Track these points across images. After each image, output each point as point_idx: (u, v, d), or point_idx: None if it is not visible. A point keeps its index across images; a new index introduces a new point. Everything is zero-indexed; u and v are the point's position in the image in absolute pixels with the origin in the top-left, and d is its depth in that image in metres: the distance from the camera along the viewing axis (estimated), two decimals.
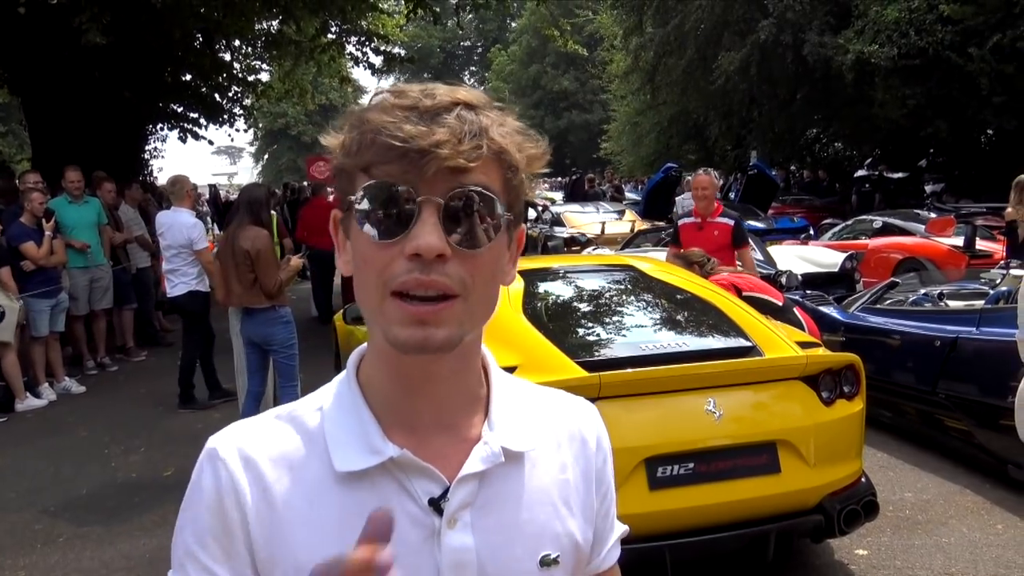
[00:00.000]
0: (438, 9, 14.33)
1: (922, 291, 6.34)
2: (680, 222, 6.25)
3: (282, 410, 0.92)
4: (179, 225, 6.76)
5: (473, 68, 65.79)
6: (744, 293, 4.64)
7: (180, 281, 6.84)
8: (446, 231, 0.78)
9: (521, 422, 0.93)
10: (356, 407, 0.88)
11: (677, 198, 14.77)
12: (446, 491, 0.85)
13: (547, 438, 0.96)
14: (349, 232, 0.85)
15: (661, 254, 7.48)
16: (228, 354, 6.23)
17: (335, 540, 0.82)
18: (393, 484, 0.85)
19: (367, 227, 0.80)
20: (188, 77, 14.99)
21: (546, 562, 0.91)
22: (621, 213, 15.07)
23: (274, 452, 0.87)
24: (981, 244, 9.31)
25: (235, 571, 0.84)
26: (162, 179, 18.66)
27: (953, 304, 5.84)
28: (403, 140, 0.77)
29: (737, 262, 5.87)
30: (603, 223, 13.28)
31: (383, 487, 0.85)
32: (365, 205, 0.80)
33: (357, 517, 0.79)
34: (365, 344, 0.93)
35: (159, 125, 16.85)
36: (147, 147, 16.99)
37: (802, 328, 4.74)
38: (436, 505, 0.85)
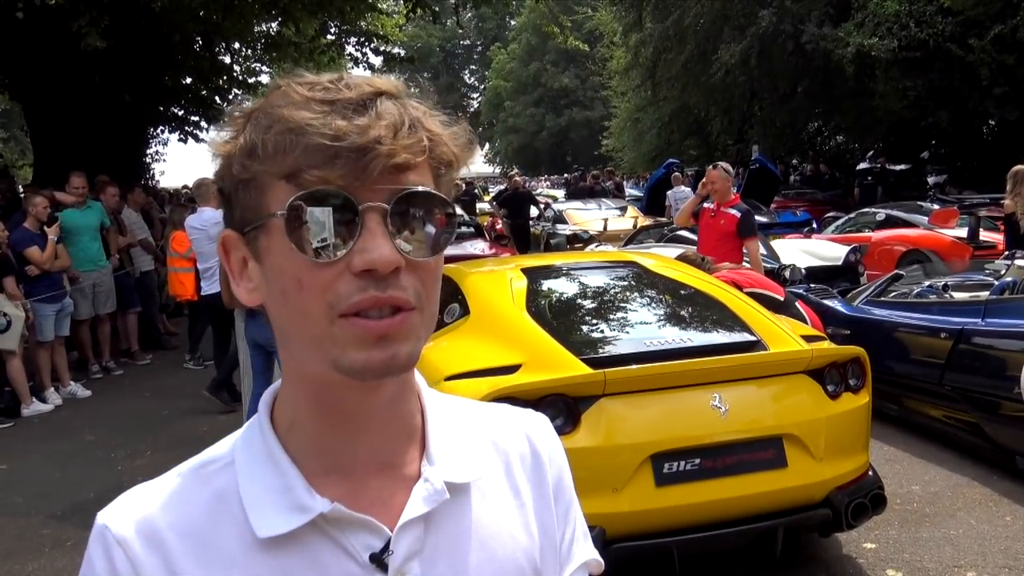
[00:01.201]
0: (437, 8, 14.32)
1: (926, 283, 6.33)
2: (703, 205, 6.49)
3: (185, 467, 0.79)
4: (207, 222, 6.93)
5: (473, 67, 65.82)
6: (745, 289, 4.63)
7: (217, 278, 6.87)
8: (393, 239, 0.68)
9: (463, 449, 0.82)
10: (272, 456, 0.76)
11: (668, 192, 14.90)
12: (388, 542, 0.74)
13: (495, 462, 0.85)
14: (261, 254, 0.72)
15: (664, 250, 7.50)
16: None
17: None
18: (326, 543, 0.73)
19: (301, 245, 0.67)
20: (188, 80, 15.03)
21: None
22: (623, 210, 15.06)
23: (180, 522, 0.74)
24: (985, 235, 9.30)
25: None
26: (164, 182, 18.69)
27: (958, 296, 5.82)
28: (335, 138, 0.66)
29: (745, 259, 6.00)
30: (605, 220, 13.28)
31: (314, 548, 0.73)
32: (297, 219, 0.67)
33: None
34: (279, 382, 0.80)
35: (160, 128, 16.89)
36: (148, 150, 17.04)
37: (805, 322, 4.73)
38: (379, 560, 0.74)
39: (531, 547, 0.83)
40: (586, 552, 0.91)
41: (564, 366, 3.30)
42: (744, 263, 5.96)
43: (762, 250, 8.13)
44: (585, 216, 14.47)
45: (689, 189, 15.27)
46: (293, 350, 0.73)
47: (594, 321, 4.02)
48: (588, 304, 4.29)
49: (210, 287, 6.96)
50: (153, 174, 17.73)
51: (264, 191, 0.70)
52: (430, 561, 0.76)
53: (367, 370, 0.69)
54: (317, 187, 0.66)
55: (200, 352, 8.60)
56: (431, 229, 0.71)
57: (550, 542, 0.86)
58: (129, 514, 0.75)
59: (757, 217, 12.65)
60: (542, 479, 0.88)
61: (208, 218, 6.94)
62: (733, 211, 6.17)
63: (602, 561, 0.93)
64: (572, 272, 4.62)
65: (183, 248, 7.97)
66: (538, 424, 0.92)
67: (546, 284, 4.37)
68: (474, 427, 0.86)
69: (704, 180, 6.50)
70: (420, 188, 0.69)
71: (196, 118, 16.21)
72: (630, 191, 23.41)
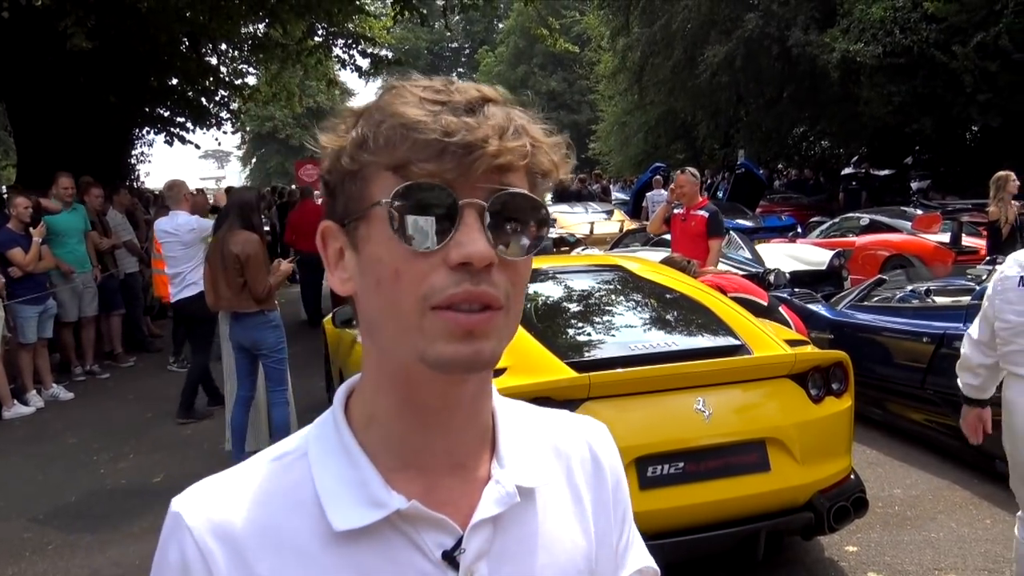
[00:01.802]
0: (425, 11, 14.31)
1: (909, 288, 6.38)
2: (673, 211, 6.86)
3: (259, 459, 0.80)
4: (181, 227, 6.77)
5: (461, 70, 65.80)
6: (729, 294, 4.67)
7: (191, 282, 6.70)
8: (489, 236, 0.70)
9: (530, 453, 0.84)
10: (347, 450, 0.77)
11: (647, 194, 15.17)
12: (459, 541, 0.76)
13: (557, 467, 0.87)
14: (360, 243, 0.74)
15: (650, 254, 7.52)
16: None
17: None
18: (399, 538, 0.75)
19: (402, 234, 0.69)
20: (174, 81, 14.96)
21: None
22: (610, 213, 15.10)
23: (254, 514, 0.75)
24: (967, 240, 9.38)
25: None
26: (149, 184, 18.60)
27: (940, 300, 5.87)
28: (445, 133, 0.68)
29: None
30: (592, 223, 13.30)
31: (388, 543, 0.75)
32: (400, 208, 0.69)
33: None
34: (356, 376, 0.82)
35: (145, 129, 16.80)
36: (134, 152, 16.94)
37: (789, 327, 4.76)
38: (450, 558, 0.75)
39: (590, 553, 0.85)
40: (642, 559, 0.94)
41: (549, 370, 3.31)
42: (720, 265, 6.13)
43: (747, 254, 8.21)
44: (572, 219, 14.48)
45: (667, 192, 15.73)
46: (381, 341, 0.75)
47: (579, 325, 4.03)
48: (573, 308, 4.30)
49: (180, 292, 6.81)
50: (138, 175, 17.60)
51: (369, 182, 0.72)
52: (497, 563, 0.78)
53: (453, 363, 0.71)
54: (422, 179, 0.69)
55: (184, 355, 8.55)
56: (525, 230, 0.73)
57: (607, 549, 0.88)
58: (203, 504, 0.75)
59: (743, 222, 12.83)
60: (602, 485, 0.90)
61: (183, 223, 6.79)
62: (702, 212, 6.51)
63: (658, 569, 0.96)
64: (558, 276, 4.63)
65: None
66: (599, 432, 0.95)
67: (532, 287, 4.37)
68: (537, 432, 0.88)
69: (673, 186, 6.93)
70: (518, 190, 0.72)
71: (182, 119, 16.12)
72: (617, 194, 23.44)
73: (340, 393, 0.82)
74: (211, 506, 0.75)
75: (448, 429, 0.78)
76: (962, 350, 3.17)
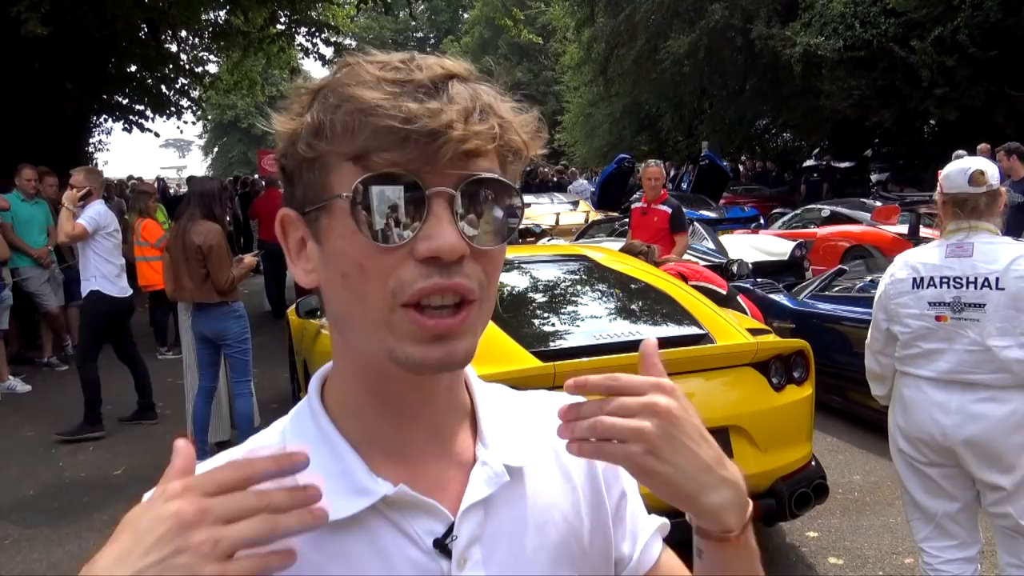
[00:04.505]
0: (389, 0, 14.19)
1: (868, 278, 6.48)
2: (633, 206, 6.82)
3: (235, 453, 0.75)
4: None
5: None
6: (690, 282, 4.71)
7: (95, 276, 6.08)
8: (459, 226, 0.66)
9: (513, 433, 0.81)
10: (328, 439, 0.74)
11: (572, 184, 15.34)
12: (451, 527, 0.73)
13: (544, 446, 0.83)
14: (322, 235, 0.70)
15: (615, 244, 7.55)
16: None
17: None
18: (387, 527, 0.72)
19: (366, 228, 0.65)
20: (133, 68, 14.69)
21: None
22: (575, 204, 15.15)
23: None
24: (925, 231, 9.53)
25: None
26: (108, 172, 18.25)
27: None
28: (406, 120, 0.64)
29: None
30: (557, 214, 13.32)
31: (375, 533, 0.71)
32: (362, 202, 0.65)
33: (345, 572, 0.70)
34: (328, 364, 0.79)
35: (103, 117, 16.49)
36: (91, 139, 16.61)
37: (747, 316, 4.82)
38: (441, 546, 0.72)
39: (580, 528, 0.82)
40: (653, 520, 0.92)
41: (514, 359, 3.32)
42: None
43: (711, 244, 8.29)
44: (537, 210, 14.49)
45: (586, 182, 16.60)
46: (349, 336, 0.72)
47: (545, 314, 4.04)
48: (539, 298, 4.31)
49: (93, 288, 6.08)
50: (96, 164, 17.28)
51: (329, 171, 0.68)
52: (490, 547, 0.75)
53: (423, 366, 0.68)
54: (385, 169, 0.65)
55: (169, 343, 8.58)
56: (498, 217, 0.69)
57: (600, 524, 0.85)
58: None
59: (707, 213, 12.95)
60: (592, 464, 0.86)
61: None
62: (664, 207, 6.46)
63: (667, 521, 0.94)
64: (524, 266, 4.63)
65: (154, 237, 7.76)
66: None
67: None
68: (520, 413, 0.85)
69: (647, 177, 6.68)
70: (488, 175, 0.68)
71: (141, 107, 15.85)
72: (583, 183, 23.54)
73: (314, 383, 0.79)
74: None
75: (426, 417, 0.76)
76: (866, 363, 3.08)
